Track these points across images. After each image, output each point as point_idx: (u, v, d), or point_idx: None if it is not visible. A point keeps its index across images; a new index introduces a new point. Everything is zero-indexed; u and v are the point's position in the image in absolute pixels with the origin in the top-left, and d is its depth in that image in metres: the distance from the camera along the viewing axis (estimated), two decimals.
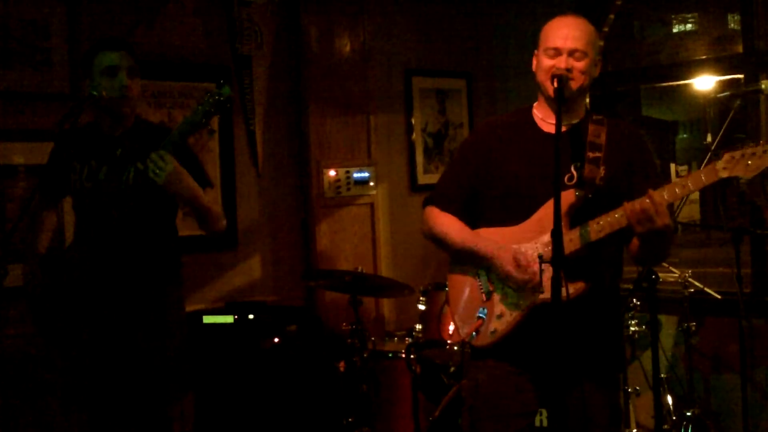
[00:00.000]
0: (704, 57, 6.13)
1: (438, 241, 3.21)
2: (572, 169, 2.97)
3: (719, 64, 5.56)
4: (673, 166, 5.58)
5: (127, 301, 3.51)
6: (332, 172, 5.57)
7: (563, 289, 2.59)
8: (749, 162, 2.65)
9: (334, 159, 5.63)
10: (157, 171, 3.34)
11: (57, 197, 3.80)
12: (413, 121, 6.13)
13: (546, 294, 2.77)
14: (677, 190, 2.73)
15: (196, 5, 5.15)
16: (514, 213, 3.02)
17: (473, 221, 3.15)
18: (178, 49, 5.03)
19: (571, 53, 2.96)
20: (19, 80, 4.45)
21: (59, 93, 4.53)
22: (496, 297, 3.02)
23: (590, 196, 2.89)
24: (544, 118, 3.09)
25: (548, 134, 3.04)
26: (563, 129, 3.01)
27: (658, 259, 3.33)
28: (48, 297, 3.58)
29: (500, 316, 2.99)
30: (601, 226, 2.84)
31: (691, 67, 5.76)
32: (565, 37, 2.98)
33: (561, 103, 2.89)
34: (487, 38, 6.45)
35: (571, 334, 2.67)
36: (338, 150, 5.68)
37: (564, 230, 2.82)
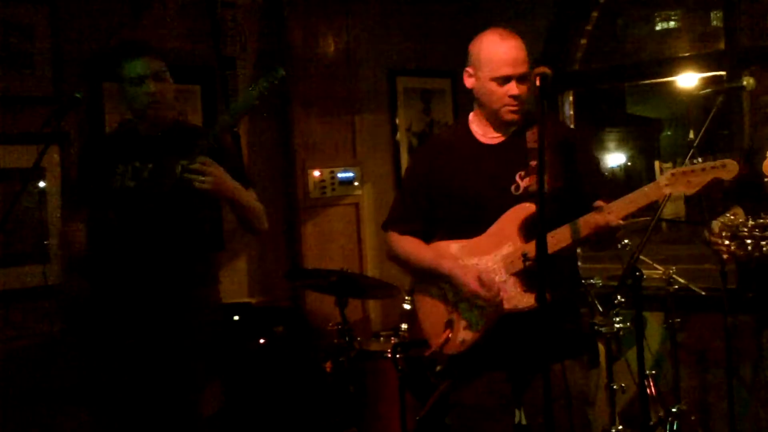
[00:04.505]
0: (687, 54, 6.15)
1: (402, 264, 3.31)
2: (517, 178, 3.05)
3: (702, 61, 5.58)
4: (657, 163, 5.60)
5: (160, 300, 3.51)
6: (316, 173, 5.58)
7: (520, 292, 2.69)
8: (690, 180, 2.77)
9: (319, 159, 5.63)
10: (203, 179, 3.34)
11: (84, 206, 3.74)
12: (397, 121, 6.14)
13: (509, 305, 2.96)
14: (626, 207, 2.84)
15: (180, 7, 5.13)
16: (469, 228, 3.09)
17: (431, 236, 3.23)
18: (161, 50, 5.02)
19: (521, 79, 3.04)
20: (2, 84, 4.43)
21: (43, 96, 4.50)
22: (463, 308, 3.10)
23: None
24: (484, 133, 3.17)
25: (488, 147, 3.14)
26: (501, 139, 3.14)
27: (605, 249, 3.43)
28: (83, 298, 3.56)
29: (468, 326, 3.08)
30: (557, 239, 2.90)
31: (674, 65, 5.78)
32: (514, 64, 3.04)
33: (545, 98, 2.91)
34: (471, 38, 6.43)
35: (537, 330, 2.73)
36: (323, 150, 5.68)
37: (522, 244, 2.97)
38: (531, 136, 3.06)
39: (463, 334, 3.08)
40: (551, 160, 2.96)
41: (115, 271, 3.51)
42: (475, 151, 3.16)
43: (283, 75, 3.41)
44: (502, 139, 3.14)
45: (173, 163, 3.40)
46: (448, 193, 3.15)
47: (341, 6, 5.80)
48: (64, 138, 4.48)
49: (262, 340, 4.84)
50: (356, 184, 5.80)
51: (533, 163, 2.98)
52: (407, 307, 4.67)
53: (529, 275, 2.94)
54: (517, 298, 2.96)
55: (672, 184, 2.80)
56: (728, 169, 2.76)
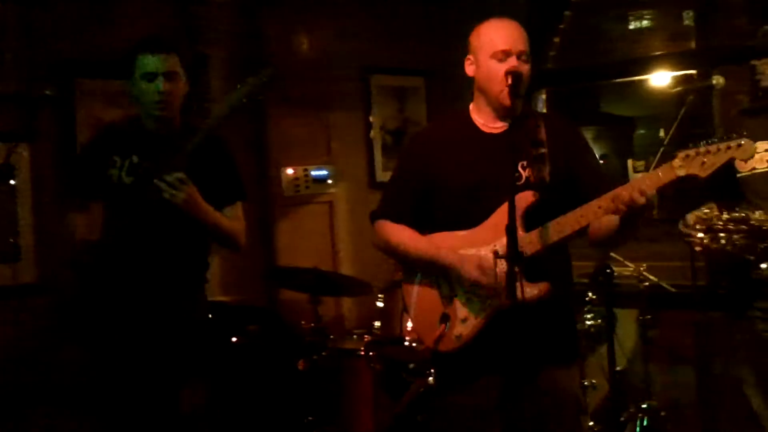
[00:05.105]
0: (660, 53, 6.19)
1: (394, 253, 3.23)
2: (519, 168, 2.99)
3: (674, 60, 5.62)
4: (630, 161, 5.62)
5: (153, 299, 3.49)
6: (290, 171, 5.57)
7: (519, 288, 2.62)
8: (705, 160, 2.65)
9: (293, 157, 5.62)
10: (173, 192, 3.32)
11: (88, 197, 3.67)
12: (372, 119, 6.14)
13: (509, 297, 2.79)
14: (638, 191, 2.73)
15: (153, 4, 5.11)
16: (467, 218, 3.03)
17: (423, 227, 3.16)
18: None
19: (519, 56, 2.99)
20: None
21: (14, 93, 4.43)
22: (458, 302, 3.02)
23: (544, 197, 2.89)
24: (485, 123, 3.10)
25: (491, 137, 3.07)
26: (504, 128, 3.07)
27: (619, 244, 3.38)
28: (77, 296, 3.53)
29: (465, 320, 2.99)
30: (561, 226, 2.85)
31: (646, 63, 5.82)
32: (512, 39, 3.00)
33: (515, 95, 2.91)
34: (445, 36, 6.46)
35: (534, 330, 2.71)
36: (297, 148, 5.68)
37: (522, 233, 2.86)
38: (532, 126, 2.99)
39: (460, 329, 2.99)
40: (551, 150, 2.92)
41: (113, 267, 3.49)
42: (477, 141, 3.09)
43: (273, 73, 3.37)
44: (505, 127, 3.07)
45: (171, 165, 3.39)
46: (448, 183, 3.08)
47: (316, 5, 5.79)
48: (34, 135, 4.44)
49: (233, 339, 4.83)
50: (330, 182, 5.80)
51: (534, 152, 2.92)
52: (380, 305, 4.68)
53: (530, 267, 2.82)
54: (518, 289, 2.79)
55: (686, 166, 2.67)
56: (744, 148, 2.63)
